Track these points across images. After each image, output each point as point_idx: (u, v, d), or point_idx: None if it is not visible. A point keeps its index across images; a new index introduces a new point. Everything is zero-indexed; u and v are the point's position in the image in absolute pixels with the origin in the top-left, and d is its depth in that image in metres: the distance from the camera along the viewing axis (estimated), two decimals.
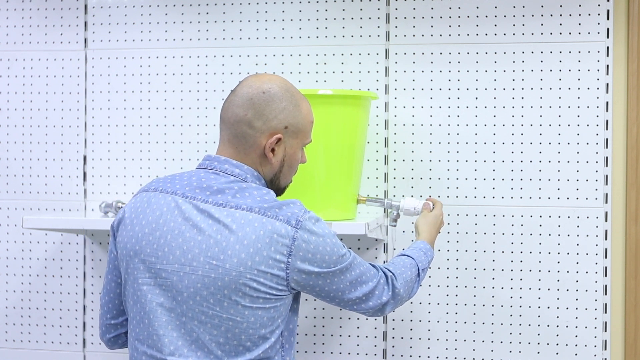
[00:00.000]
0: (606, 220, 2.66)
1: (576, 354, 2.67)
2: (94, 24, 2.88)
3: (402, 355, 2.75)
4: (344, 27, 2.76)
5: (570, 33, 2.65)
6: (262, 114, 1.98)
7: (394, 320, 2.75)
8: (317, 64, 2.78)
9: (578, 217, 2.66)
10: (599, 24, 2.64)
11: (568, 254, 2.67)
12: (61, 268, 2.91)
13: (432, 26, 2.72)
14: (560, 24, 2.66)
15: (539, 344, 2.69)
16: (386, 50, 2.75)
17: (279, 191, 2.09)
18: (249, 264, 1.89)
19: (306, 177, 2.50)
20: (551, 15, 2.67)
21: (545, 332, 2.68)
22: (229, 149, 2.01)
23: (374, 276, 2.06)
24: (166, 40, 2.85)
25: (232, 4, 2.82)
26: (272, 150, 2.01)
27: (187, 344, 1.93)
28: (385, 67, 2.74)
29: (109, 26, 2.87)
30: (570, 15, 2.66)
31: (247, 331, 1.92)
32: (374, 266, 2.09)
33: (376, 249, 2.75)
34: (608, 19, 2.63)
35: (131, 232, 1.99)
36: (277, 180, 2.06)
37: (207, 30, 2.83)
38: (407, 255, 2.22)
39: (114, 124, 2.87)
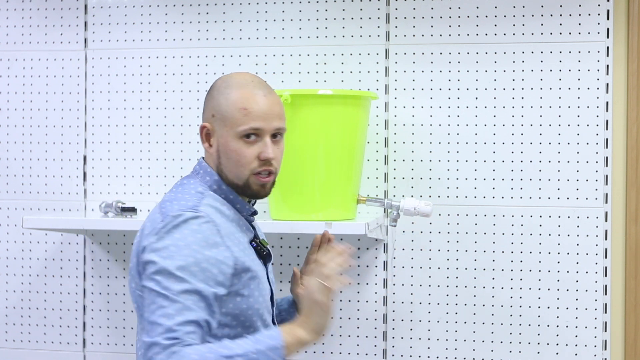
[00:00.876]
0: (606, 220, 2.66)
1: (576, 354, 2.67)
2: (94, 24, 2.88)
3: (402, 355, 2.75)
4: (344, 27, 2.76)
5: (570, 33, 2.65)
6: (203, 107, 2.03)
7: (394, 320, 2.75)
8: (317, 64, 2.77)
9: (578, 217, 2.66)
10: (599, 24, 2.64)
11: (568, 254, 2.67)
12: (61, 268, 2.91)
13: (432, 26, 2.72)
14: (560, 24, 2.66)
15: (539, 344, 2.69)
16: (386, 50, 2.75)
17: (243, 189, 1.99)
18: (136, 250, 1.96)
19: (306, 178, 2.50)
20: (551, 15, 2.66)
21: (545, 332, 2.68)
22: None
23: (159, 332, 1.77)
24: (166, 40, 2.85)
25: (232, 4, 2.82)
26: (209, 141, 2.00)
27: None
28: (385, 67, 2.74)
29: (109, 26, 2.87)
30: (570, 15, 2.66)
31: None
32: (173, 330, 1.78)
33: (376, 249, 2.75)
34: (608, 19, 2.63)
35: None
36: (222, 173, 1.99)
37: (207, 30, 2.83)
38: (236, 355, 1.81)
39: (114, 124, 2.87)
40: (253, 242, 2.02)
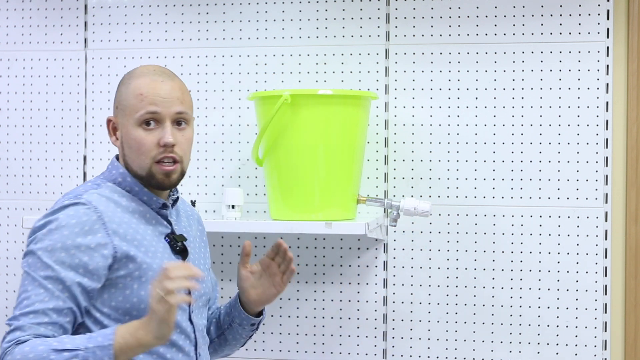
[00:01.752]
0: (606, 220, 2.66)
1: (576, 354, 2.66)
2: (94, 24, 2.88)
3: (402, 355, 2.75)
4: (344, 27, 2.76)
5: (570, 33, 2.65)
6: None
7: (394, 320, 2.75)
8: (317, 64, 2.77)
9: (578, 217, 2.66)
10: (599, 24, 2.64)
11: (568, 254, 2.67)
12: None
13: (432, 26, 2.72)
14: (560, 24, 2.66)
15: (539, 344, 2.69)
16: (386, 50, 2.75)
17: (148, 179, 1.94)
18: None
19: (306, 178, 2.50)
20: (551, 15, 2.66)
21: (545, 332, 2.68)
22: None
23: (15, 317, 1.79)
24: (166, 40, 2.85)
25: (232, 4, 2.82)
26: (116, 135, 1.98)
27: None
28: (385, 67, 2.74)
29: (109, 26, 2.87)
30: (570, 15, 2.66)
31: None
32: (24, 315, 1.78)
33: (376, 249, 2.75)
34: (608, 19, 2.63)
35: None
36: (127, 165, 1.96)
37: (207, 30, 2.83)
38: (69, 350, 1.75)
39: None
40: (167, 237, 1.97)
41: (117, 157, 2.00)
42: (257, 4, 2.80)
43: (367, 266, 2.75)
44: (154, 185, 1.95)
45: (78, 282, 1.81)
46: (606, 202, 2.65)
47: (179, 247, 1.98)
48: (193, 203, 2.65)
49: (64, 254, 1.82)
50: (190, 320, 1.98)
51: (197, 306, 2.02)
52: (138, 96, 1.93)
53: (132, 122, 1.93)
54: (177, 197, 2.06)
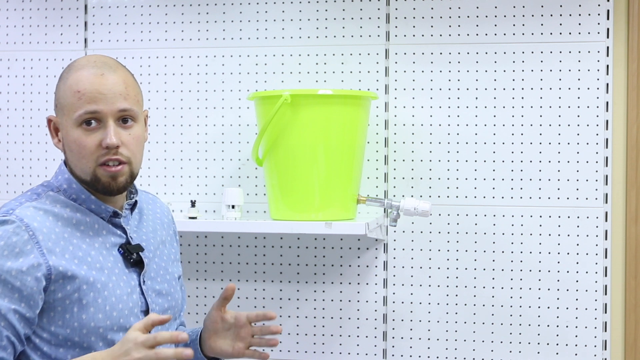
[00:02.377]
0: (606, 220, 2.66)
1: (576, 354, 2.67)
2: (94, 24, 2.88)
3: (402, 355, 2.75)
4: (344, 27, 2.76)
5: (570, 33, 2.65)
6: None
7: (394, 320, 2.75)
8: (317, 64, 2.77)
9: (578, 217, 2.66)
10: (599, 24, 2.64)
11: (568, 254, 2.67)
12: None
13: (432, 26, 2.72)
14: (560, 24, 2.66)
15: (539, 344, 2.69)
16: (386, 50, 2.75)
17: (94, 184, 1.76)
18: None
19: (306, 178, 2.50)
20: (551, 15, 2.66)
21: (545, 332, 2.68)
22: None
23: None
24: (166, 40, 2.85)
25: (232, 4, 2.82)
26: (58, 136, 1.80)
27: None
28: (385, 67, 2.74)
29: (109, 26, 2.87)
30: (570, 15, 2.65)
31: None
32: None
33: (376, 249, 2.75)
34: (608, 19, 2.63)
35: None
36: (71, 169, 1.79)
37: (207, 30, 2.83)
38: None
39: None
40: (120, 249, 1.80)
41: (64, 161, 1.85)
42: (257, 4, 2.80)
43: (367, 266, 2.75)
44: (100, 190, 1.77)
45: (14, 309, 1.66)
46: (606, 202, 2.65)
47: (133, 259, 1.81)
48: (193, 203, 2.65)
49: None
50: None
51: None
52: (75, 94, 1.73)
53: (71, 122, 1.75)
54: (135, 201, 1.88)
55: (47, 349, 1.72)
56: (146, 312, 1.80)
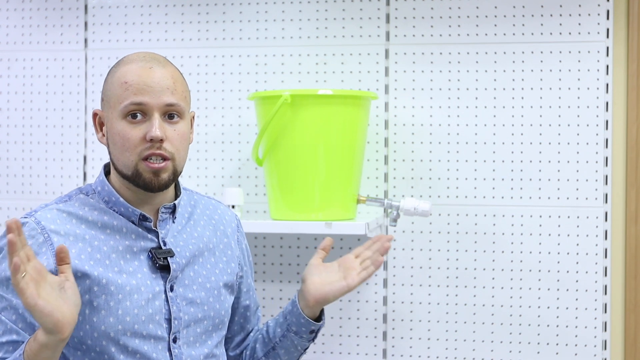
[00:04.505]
0: (606, 220, 2.66)
1: (576, 354, 2.67)
2: (94, 24, 2.88)
3: (402, 355, 2.75)
4: (344, 27, 2.76)
5: (570, 33, 2.65)
6: None
7: (394, 320, 2.75)
8: (317, 64, 2.78)
9: (578, 217, 2.66)
10: (598, 24, 2.64)
11: (568, 254, 2.67)
12: None
13: (432, 26, 2.72)
14: (560, 24, 2.66)
15: (539, 344, 2.69)
16: (386, 50, 2.75)
17: (135, 180, 1.72)
18: None
19: (306, 178, 2.50)
20: (551, 15, 2.67)
21: (545, 332, 2.68)
22: None
23: None
24: (166, 40, 2.85)
25: (232, 4, 2.82)
26: (102, 130, 1.77)
27: None
28: (385, 67, 2.74)
29: (109, 26, 2.87)
30: (570, 15, 2.66)
31: None
32: None
33: None
34: (608, 19, 2.63)
35: None
36: (114, 163, 1.75)
37: (207, 30, 2.83)
38: None
39: None
40: (149, 253, 1.74)
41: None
42: (257, 4, 2.80)
43: None
44: (141, 186, 1.72)
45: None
46: (606, 202, 2.65)
47: (159, 264, 1.74)
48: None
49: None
50: (169, 350, 1.74)
51: (194, 333, 1.78)
52: (122, 85, 1.70)
53: (117, 115, 1.71)
54: (174, 205, 1.80)
55: (65, 351, 1.70)
56: (169, 320, 1.74)
